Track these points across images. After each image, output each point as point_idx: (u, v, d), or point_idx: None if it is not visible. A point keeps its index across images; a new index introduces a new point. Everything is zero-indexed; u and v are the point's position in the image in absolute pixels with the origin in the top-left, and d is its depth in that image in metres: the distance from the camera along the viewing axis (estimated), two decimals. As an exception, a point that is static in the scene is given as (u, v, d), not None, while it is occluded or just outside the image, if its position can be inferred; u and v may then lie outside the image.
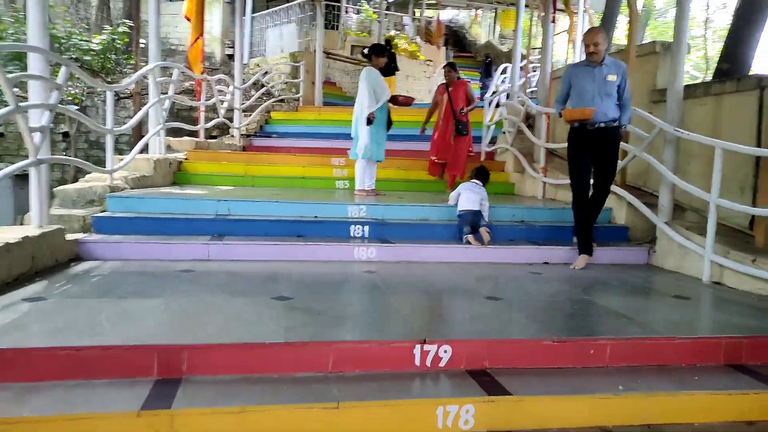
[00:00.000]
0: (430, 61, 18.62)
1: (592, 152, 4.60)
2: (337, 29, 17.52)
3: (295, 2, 15.14)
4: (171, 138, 7.83)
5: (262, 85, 12.52)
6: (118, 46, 10.20)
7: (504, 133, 8.57)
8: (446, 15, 22.61)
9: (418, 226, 5.20)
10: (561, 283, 4.15)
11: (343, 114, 11.41)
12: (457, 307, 3.48)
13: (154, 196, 5.27)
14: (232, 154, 8.20)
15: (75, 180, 10.04)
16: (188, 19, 8.30)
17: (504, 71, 14.77)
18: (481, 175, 5.63)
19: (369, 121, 6.15)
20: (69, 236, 4.22)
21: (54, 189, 4.97)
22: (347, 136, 10.29)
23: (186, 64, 8.82)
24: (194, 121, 10.98)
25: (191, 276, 3.83)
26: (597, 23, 15.21)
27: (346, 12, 18.95)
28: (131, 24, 10.03)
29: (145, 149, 6.45)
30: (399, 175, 7.64)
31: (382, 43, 6.86)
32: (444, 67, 7.17)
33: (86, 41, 9.78)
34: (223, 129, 10.89)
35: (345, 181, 7.32)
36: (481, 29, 28.52)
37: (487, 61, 17.25)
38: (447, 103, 6.77)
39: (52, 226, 4.00)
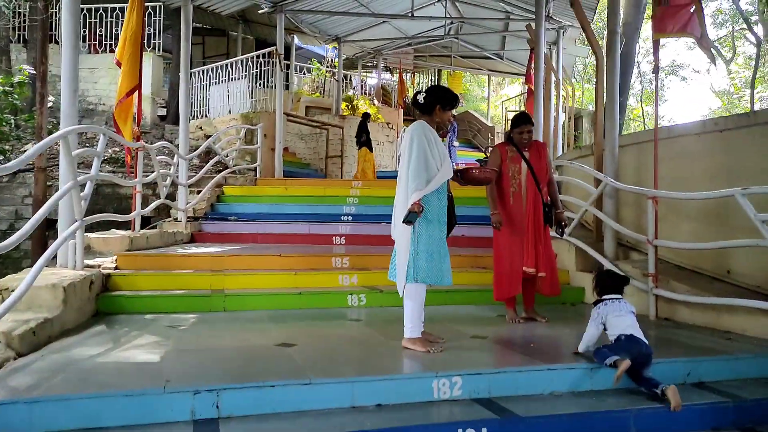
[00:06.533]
0: (389, 123, 16.85)
1: None
2: (287, 89, 15.47)
3: (241, 57, 12.97)
4: (92, 235, 5.25)
5: (207, 153, 10.13)
6: (15, 102, 7.49)
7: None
8: (374, 80, 20.50)
9: (554, 408, 2.94)
10: None
11: (316, 188, 9.20)
12: None
13: (63, 395, 2.56)
14: (186, 258, 5.61)
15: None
16: (119, 65, 5.90)
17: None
18: (619, 282, 3.49)
19: (411, 217, 3.43)
20: None
21: None
22: (328, 218, 8.12)
23: (111, 125, 6.37)
24: (121, 201, 8.40)
25: None
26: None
27: (297, 70, 16.99)
28: (32, 71, 7.40)
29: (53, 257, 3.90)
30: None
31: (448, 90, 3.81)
32: (520, 122, 4.45)
33: (-33, 94, 7.07)
34: (160, 210, 8.36)
35: (359, 295, 4.99)
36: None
37: (454, 125, 15.60)
38: (528, 177, 4.40)
39: None
